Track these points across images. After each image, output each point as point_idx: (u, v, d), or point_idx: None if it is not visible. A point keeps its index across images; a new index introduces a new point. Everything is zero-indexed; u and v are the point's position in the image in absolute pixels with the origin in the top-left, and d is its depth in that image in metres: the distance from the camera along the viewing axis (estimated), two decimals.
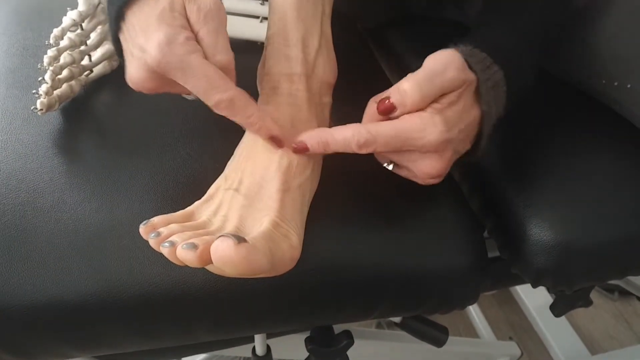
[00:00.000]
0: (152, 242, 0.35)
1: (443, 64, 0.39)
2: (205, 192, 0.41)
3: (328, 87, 0.43)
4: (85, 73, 0.51)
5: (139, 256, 0.40)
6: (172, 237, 0.34)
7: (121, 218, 0.41)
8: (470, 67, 0.39)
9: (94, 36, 0.51)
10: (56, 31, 0.47)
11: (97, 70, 0.52)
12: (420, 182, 0.42)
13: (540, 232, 0.45)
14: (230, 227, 0.37)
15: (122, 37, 0.39)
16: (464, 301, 0.47)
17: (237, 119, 0.38)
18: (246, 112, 0.38)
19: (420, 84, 0.38)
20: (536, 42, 0.45)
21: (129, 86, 0.53)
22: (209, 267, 0.34)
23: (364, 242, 0.43)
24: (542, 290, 1.13)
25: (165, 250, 0.34)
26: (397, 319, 0.59)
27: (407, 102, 0.38)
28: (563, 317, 1.14)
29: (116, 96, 0.52)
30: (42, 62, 0.46)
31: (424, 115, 0.38)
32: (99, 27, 0.52)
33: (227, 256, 0.31)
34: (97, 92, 0.52)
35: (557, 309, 0.53)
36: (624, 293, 1.27)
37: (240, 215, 0.37)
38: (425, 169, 0.40)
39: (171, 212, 0.38)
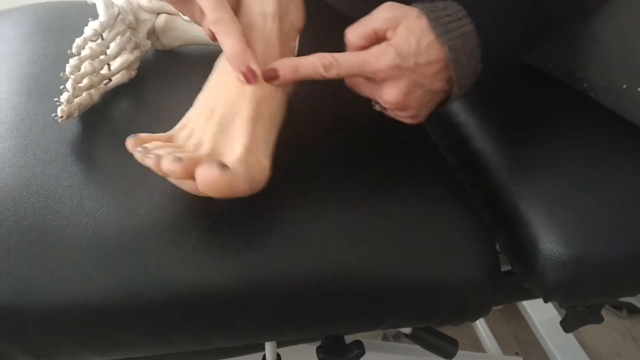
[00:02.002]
0: (138, 156, 0.39)
1: (380, 7, 0.45)
2: None
3: (295, 32, 0.46)
4: (104, 82, 0.52)
5: (155, 261, 0.40)
6: (157, 150, 0.39)
7: (138, 224, 0.42)
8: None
9: (113, 46, 0.52)
10: (78, 41, 0.48)
11: (115, 79, 0.53)
12: (392, 115, 0.47)
13: (553, 246, 0.45)
14: (203, 152, 0.40)
15: None
16: (476, 314, 0.47)
17: (226, 40, 0.42)
18: (236, 36, 0.42)
19: (355, 25, 0.45)
20: (524, 12, 0.45)
21: (145, 95, 0.55)
22: (182, 185, 0.40)
23: (376, 252, 0.44)
24: (549, 305, 1.12)
25: (150, 161, 0.38)
26: (407, 330, 0.59)
27: (347, 41, 0.46)
28: (570, 334, 1.14)
29: (133, 104, 0.53)
30: (64, 70, 0.47)
31: (379, 45, 0.44)
32: (119, 37, 0.53)
33: (212, 181, 0.36)
34: (115, 100, 0.53)
35: (568, 325, 0.53)
36: (633, 311, 1.27)
37: (214, 141, 0.41)
38: (384, 96, 0.44)
39: (188, 220, 0.40)
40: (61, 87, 0.46)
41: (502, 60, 0.46)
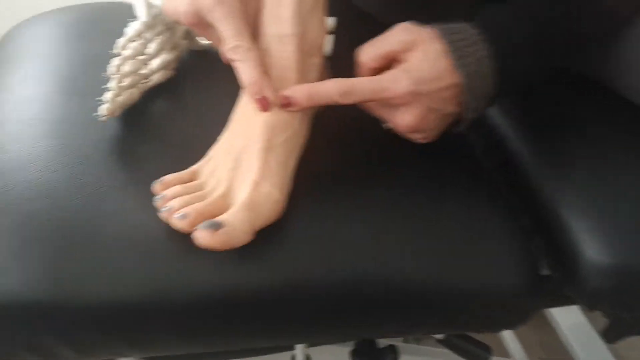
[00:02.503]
0: (157, 203, 0.41)
1: (395, 28, 0.45)
2: None
3: (317, 48, 0.45)
4: (144, 81, 0.52)
5: (192, 262, 0.41)
6: (171, 201, 0.40)
7: None
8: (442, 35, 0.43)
9: (153, 46, 0.53)
10: (121, 41, 0.48)
11: (154, 78, 0.53)
12: (401, 134, 0.46)
13: (597, 252, 0.44)
14: (220, 191, 0.41)
15: None
16: (514, 321, 0.47)
17: (242, 68, 0.42)
18: (252, 64, 0.42)
19: (367, 45, 0.45)
20: (551, 31, 0.45)
21: (183, 94, 0.55)
22: None
23: (412, 257, 0.44)
24: (574, 309, 1.10)
25: (163, 214, 0.40)
26: (439, 335, 0.59)
27: (359, 61, 0.46)
28: (600, 341, 1.12)
29: (172, 104, 0.54)
30: (103, 71, 0.47)
31: (394, 71, 0.43)
32: (158, 37, 0.53)
33: (206, 243, 0.38)
34: (154, 100, 0.53)
35: (612, 335, 0.51)
36: None
37: (230, 177, 0.42)
38: (398, 120, 0.44)
39: None
40: (103, 86, 0.46)
41: (524, 82, 0.47)
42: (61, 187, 0.43)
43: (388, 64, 0.45)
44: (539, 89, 0.59)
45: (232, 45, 0.42)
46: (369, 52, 0.45)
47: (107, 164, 0.46)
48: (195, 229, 0.38)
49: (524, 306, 0.47)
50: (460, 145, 0.56)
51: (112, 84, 0.46)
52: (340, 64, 0.48)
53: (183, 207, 0.40)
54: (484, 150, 0.61)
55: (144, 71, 0.51)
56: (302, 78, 0.44)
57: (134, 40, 0.50)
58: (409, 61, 0.43)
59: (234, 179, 0.42)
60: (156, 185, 0.42)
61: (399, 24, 0.45)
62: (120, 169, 0.45)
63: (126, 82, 0.49)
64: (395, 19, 0.46)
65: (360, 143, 0.51)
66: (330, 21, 0.62)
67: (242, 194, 0.41)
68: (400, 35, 0.44)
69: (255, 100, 0.42)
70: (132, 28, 0.50)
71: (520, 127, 0.58)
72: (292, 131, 0.43)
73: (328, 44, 0.59)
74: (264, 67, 0.43)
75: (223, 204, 0.41)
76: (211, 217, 0.39)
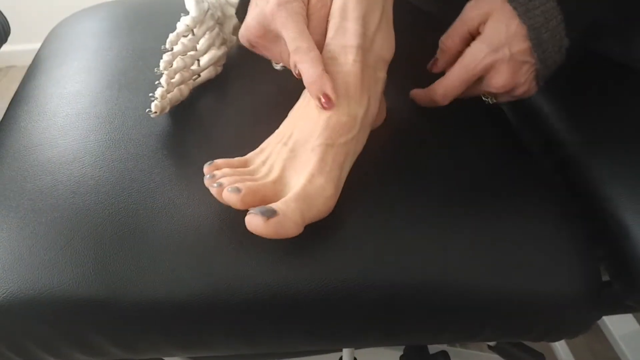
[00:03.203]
0: (206, 182, 0.41)
1: (465, 7, 0.49)
2: None
3: (384, 63, 0.46)
4: (194, 77, 0.51)
5: (245, 260, 0.40)
6: (221, 179, 0.40)
7: (229, 221, 0.41)
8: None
9: (202, 42, 0.52)
10: (171, 36, 0.48)
11: (204, 74, 0.53)
12: (506, 99, 0.51)
13: None
14: (272, 177, 0.41)
15: None
16: (575, 330, 0.44)
17: (304, 67, 0.42)
18: (313, 63, 0.42)
19: (448, 31, 0.50)
20: None
21: (232, 90, 0.54)
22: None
23: (468, 260, 0.42)
24: (628, 317, 1.06)
25: (213, 190, 0.40)
26: (491, 342, 0.56)
27: (443, 47, 0.51)
28: None
29: (221, 101, 0.53)
30: (152, 65, 0.47)
31: (469, 47, 0.48)
32: (208, 32, 0.53)
33: (258, 230, 0.38)
34: (203, 96, 0.53)
35: None
36: None
37: (283, 166, 0.42)
38: (493, 85, 0.48)
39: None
40: (156, 82, 0.46)
41: (586, 34, 0.50)
42: (110, 182, 0.43)
43: (470, 42, 0.48)
44: (600, 86, 0.56)
45: (294, 48, 0.42)
46: (450, 37, 0.50)
47: (156, 159, 0.45)
48: (249, 213, 0.38)
49: (584, 315, 0.44)
50: (516, 146, 0.54)
51: (162, 80, 0.46)
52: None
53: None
54: (543, 150, 0.59)
55: (193, 67, 0.51)
56: (366, 90, 0.44)
57: (185, 36, 0.49)
58: (484, 32, 0.47)
59: (288, 169, 0.42)
60: (206, 166, 0.42)
61: (470, 2, 0.49)
62: (169, 165, 0.45)
63: (176, 78, 0.48)
64: (443, 7, 0.49)
65: (415, 147, 0.50)
66: None
67: (295, 185, 0.40)
68: (472, 11, 0.48)
69: (317, 98, 0.42)
70: (182, 23, 0.49)
71: (580, 128, 0.55)
72: (352, 135, 0.43)
73: None
74: (329, 75, 0.43)
75: (274, 190, 0.40)
76: (262, 198, 0.39)
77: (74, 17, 0.67)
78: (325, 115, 0.42)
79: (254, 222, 0.38)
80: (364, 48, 0.43)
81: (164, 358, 0.49)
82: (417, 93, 0.52)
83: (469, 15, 0.49)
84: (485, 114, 0.54)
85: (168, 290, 0.39)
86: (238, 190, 0.39)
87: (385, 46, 0.45)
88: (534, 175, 0.50)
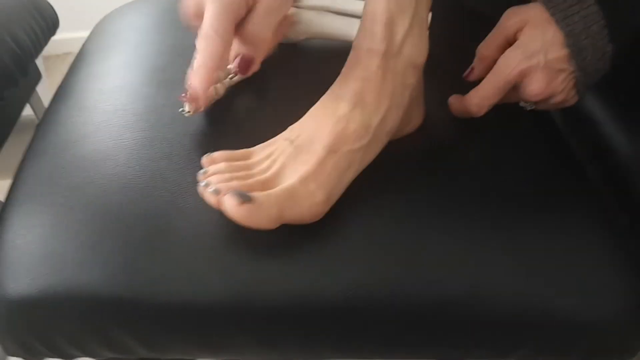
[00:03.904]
0: (199, 177, 0.41)
1: (504, 15, 0.48)
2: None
3: (414, 69, 0.44)
4: (230, 76, 0.51)
5: (271, 266, 0.39)
6: (210, 177, 0.40)
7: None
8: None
9: None
10: None
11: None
12: (544, 107, 0.49)
13: None
14: (271, 172, 0.41)
15: None
16: (621, 354, 0.42)
17: (199, 58, 0.43)
18: (210, 57, 0.43)
19: (485, 39, 0.49)
20: None
21: (268, 90, 0.54)
22: None
23: (502, 274, 0.40)
24: None
25: (200, 189, 0.40)
26: None
27: (480, 55, 0.49)
28: None
29: (256, 100, 0.52)
30: (191, 61, 0.47)
31: (504, 54, 0.46)
32: None
33: (230, 212, 0.37)
34: (239, 95, 0.52)
35: None
36: None
37: (284, 163, 0.41)
38: (529, 93, 0.46)
39: (307, 230, 0.39)
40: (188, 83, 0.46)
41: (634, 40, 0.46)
42: (142, 181, 0.43)
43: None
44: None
45: (204, 32, 0.43)
46: (488, 45, 0.49)
47: (189, 159, 0.45)
48: (228, 192, 0.38)
49: (629, 340, 0.42)
50: (562, 154, 0.51)
51: None
52: (433, 61, 0.45)
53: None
54: (590, 159, 0.56)
55: (230, 66, 0.50)
56: (386, 98, 0.42)
57: None
58: (519, 39, 0.46)
59: (287, 167, 0.41)
60: (204, 159, 0.42)
61: (508, 9, 0.47)
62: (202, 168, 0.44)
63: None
64: (492, 4, 0.49)
65: (450, 153, 0.48)
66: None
67: (286, 182, 0.40)
68: (510, 18, 0.47)
69: (187, 87, 0.43)
70: None
71: (633, 135, 0.52)
72: (361, 145, 0.42)
73: None
74: (350, 77, 0.43)
75: (263, 188, 0.40)
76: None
77: (118, 11, 0.67)
78: (333, 119, 0.41)
79: (227, 202, 0.37)
80: (391, 54, 0.42)
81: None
82: (453, 102, 0.50)
83: (506, 23, 0.47)
84: (530, 117, 0.52)
85: (193, 293, 0.39)
86: (216, 192, 0.38)
87: (416, 51, 0.43)
88: (580, 186, 0.48)
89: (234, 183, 0.39)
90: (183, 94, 0.44)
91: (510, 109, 0.51)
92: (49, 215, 0.41)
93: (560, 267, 0.40)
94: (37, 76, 0.68)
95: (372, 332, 0.40)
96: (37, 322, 0.39)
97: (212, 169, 0.41)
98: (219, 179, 0.39)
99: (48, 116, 0.51)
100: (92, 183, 0.43)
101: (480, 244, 0.41)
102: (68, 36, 1.14)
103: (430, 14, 0.58)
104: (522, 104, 0.50)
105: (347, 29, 0.55)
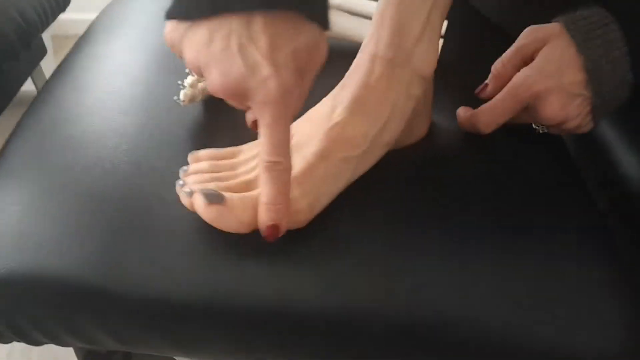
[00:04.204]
0: (180, 175, 0.39)
1: (523, 32, 0.46)
2: None
3: (420, 80, 0.42)
4: None
5: (251, 268, 0.38)
6: (189, 177, 0.38)
7: None
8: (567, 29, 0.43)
9: None
10: None
11: None
12: (557, 131, 0.47)
13: None
14: (255, 173, 0.38)
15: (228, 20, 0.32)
16: None
17: (273, 189, 0.35)
18: (284, 188, 0.36)
19: (502, 56, 0.47)
20: None
21: None
22: None
23: (490, 300, 0.38)
24: None
25: (177, 188, 0.38)
26: None
27: (495, 72, 0.47)
28: None
29: None
30: None
31: (521, 71, 0.44)
32: None
33: (200, 212, 0.36)
34: None
35: None
36: None
37: None
38: (542, 115, 0.44)
39: (292, 234, 0.37)
40: (187, 69, 0.44)
41: None
42: (128, 168, 0.41)
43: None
44: None
45: (273, 160, 0.35)
46: (502, 62, 0.47)
47: (179, 150, 0.43)
48: (198, 190, 0.36)
49: None
50: (571, 180, 0.49)
51: None
52: (448, 71, 0.43)
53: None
54: (599, 186, 0.54)
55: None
56: (388, 108, 0.41)
57: None
58: (537, 59, 0.44)
59: None
60: (189, 157, 0.41)
61: (527, 28, 0.46)
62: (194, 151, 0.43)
63: None
64: (513, 19, 0.47)
65: (450, 168, 0.46)
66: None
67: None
68: (528, 37, 0.45)
69: (264, 224, 0.36)
70: None
71: None
72: (356, 153, 0.40)
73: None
74: (349, 83, 0.41)
75: (245, 189, 0.38)
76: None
77: None
78: (329, 124, 0.39)
79: (196, 201, 0.36)
80: (397, 62, 0.40)
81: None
82: (461, 114, 0.48)
83: (524, 41, 0.46)
84: (540, 138, 0.50)
85: (167, 288, 0.37)
86: (189, 194, 0.37)
87: (424, 62, 0.41)
88: (585, 214, 0.46)
89: (211, 184, 0.37)
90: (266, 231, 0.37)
91: (520, 129, 0.49)
92: (27, 194, 0.40)
93: (552, 297, 0.38)
94: (41, 51, 0.67)
95: (348, 345, 0.39)
96: (3, 306, 0.38)
97: (193, 167, 0.39)
98: (196, 179, 0.38)
99: (42, 94, 0.50)
100: (77, 165, 0.41)
101: (470, 266, 0.39)
102: (79, 17, 1.13)
103: (446, 22, 0.57)
104: (534, 126, 0.49)
105: (357, 29, 0.54)
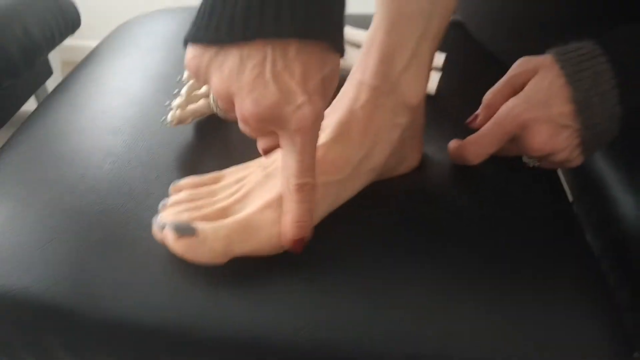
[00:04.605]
0: (159, 208, 0.38)
1: (515, 63, 0.45)
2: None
3: (405, 109, 0.41)
4: None
5: (223, 296, 0.36)
6: (163, 211, 0.38)
7: None
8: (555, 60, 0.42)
9: None
10: None
11: None
12: (548, 166, 0.46)
13: None
14: (234, 198, 0.38)
15: (260, 47, 0.31)
16: None
17: (302, 209, 0.36)
18: (311, 207, 0.37)
19: (493, 87, 0.46)
20: None
21: None
22: None
23: (474, 335, 0.36)
24: None
25: (153, 222, 0.37)
26: None
27: (486, 102, 0.46)
28: None
29: None
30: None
31: (508, 101, 0.43)
32: None
33: (170, 246, 0.36)
34: None
35: None
36: None
37: (250, 189, 0.39)
38: (529, 145, 0.43)
39: (270, 265, 0.37)
40: (174, 91, 0.44)
41: None
42: (110, 185, 0.41)
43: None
44: None
45: (303, 182, 0.35)
46: (494, 92, 0.46)
47: (165, 171, 0.43)
48: (167, 224, 0.36)
49: None
50: (564, 212, 0.47)
51: (183, 90, 0.44)
52: (445, 104, 0.43)
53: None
54: (595, 227, 0.52)
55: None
56: (372, 134, 0.40)
57: None
58: (525, 89, 0.43)
59: (252, 193, 0.38)
60: (170, 188, 0.40)
61: (520, 59, 0.45)
62: (176, 178, 0.42)
63: (204, 90, 0.46)
64: (508, 49, 0.45)
65: (439, 201, 0.45)
66: (441, 57, 0.57)
67: (244, 211, 0.37)
68: (519, 68, 0.45)
69: (290, 240, 0.37)
70: None
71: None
72: (338, 178, 0.39)
73: (434, 82, 0.54)
74: (335, 108, 0.40)
75: (222, 216, 0.37)
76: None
77: (137, 18, 0.67)
78: (319, 148, 0.38)
79: (166, 235, 0.35)
80: (382, 90, 0.40)
81: None
82: (451, 147, 0.47)
83: (514, 72, 0.45)
84: (533, 173, 0.48)
85: (137, 314, 0.36)
86: (161, 227, 0.36)
87: (411, 91, 0.41)
88: (576, 252, 0.44)
89: (184, 215, 0.37)
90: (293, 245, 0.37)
91: (512, 163, 0.48)
92: (6, 207, 0.40)
93: (538, 343, 0.36)
94: (46, 72, 0.68)
95: None
96: None
97: (172, 199, 0.39)
98: (171, 211, 0.37)
99: (38, 110, 0.51)
100: (59, 181, 0.41)
101: (456, 300, 0.38)
102: (93, 44, 1.14)
103: (444, 55, 0.57)
104: (524, 159, 0.47)
105: (349, 57, 0.53)
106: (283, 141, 0.35)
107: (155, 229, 0.37)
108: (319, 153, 0.38)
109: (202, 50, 0.32)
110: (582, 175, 0.55)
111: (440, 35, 0.41)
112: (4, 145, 0.46)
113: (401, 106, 0.41)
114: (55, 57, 0.67)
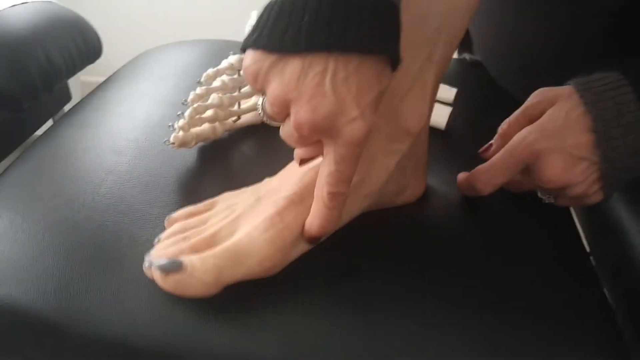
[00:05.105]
0: (155, 244, 0.38)
1: (533, 94, 0.44)
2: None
3: (404, 135, 0.41)
4: (232, 118, 0.50)
5: (210, 319, 0.36)
6: (155, 248, 0.37)
7: None
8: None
9: (249, 86, 0.51)
10: (210, 71, 0.47)
11: (245, 118, 0.51)
12: (564, 203, 0.44)
13: None
14: (222, 223, 0.38)
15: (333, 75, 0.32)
16: None
17: (331, 215, 0.36)
18: (338, 215, 0.37)
19: (510, 116, 0.45)
20: None
21: (273, 140, 0.52)
22: None
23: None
24: None
25: (145, 259, 0.37)
26: None
27: (501, 132, 0.46)
28: None
29: (258, 148, 0.50)
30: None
31: (523, 130, 0.42)
32: None
33: (160, 284, 0.35)
34: (241, 140, 0.51)
35: None
36: None
37: (239, 214, 0.38)
38: (542, 177, 0.41)
39: (258, 289, 0.36)
40: (178, 113, 0.45)
41: None
42: (108, 203, 0.41)
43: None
44: None
45: (339, 192, 0.36)
46: (509, 122, 0.45)
47: (164, 193, 0.43)
48: (153, 263, 0.35)
49: None
50: (576, 256, 0.45)
51: (186, 113, 0.44)
52: (453, 135, 0.42)
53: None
54: (611, 274, 0.50)
55: (233, 108, 0.49)
56: (368, 159, 0.39)
57: (227, 74, 0.48)
58: (541, 118, 0.42)
59: (243, 217, 0.38)
60: (165, 222, 0.40)
61: (538, 89, 0.44)
62: (174, 201, 0.43)
63: (208, 114, 0.46)
64: (519, 83, 0.44)
65: (443, 235, 0.44)
66: (451, 92, 0.56)
67: (232, 238, 0.36)
68: (537, 98, 0.44)
69: (311, 235, 0.37)
70: (227, 61, 0.48)
71: None
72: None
73: (444, 116, 0.54)
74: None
75: (211, 244, 0.37)
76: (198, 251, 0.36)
77: (155, 49, 0.69)
78: (304, 168, 0.38)
79: (155, 275, 0.35)
80: (381, 115, 0.38)
81: None
82: (460, 178, 0.46)
83: (532, 101, 0.43)
84: (546, 210, 0.47)
85: (124, 331, 0.35)
86: (149, 266, 0.36)
87: (411, 118, 0.40)
88: (588, 299, 0.42)
89: (171, 249, 0.36)
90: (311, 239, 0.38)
91: (526, 198, 0.46)
92: (3, 221, 0.40)
93: None
94: (65, 97, 0.70)
95: None
96: None
97: (165, 233, 0.38)
98: (161, 246, 0.37)
99: (49, 129, 0.51)
100: (57, 196, 0.42)
101: (448, 345, 0.36)
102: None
103: (455, 90, 0.56)
104: (540, 194, 0.45)
105: None
106: (327, 149, 0.34)
107: (145, 267, 0.36)
108: (310, 175, 0.38)
109: (263, 56, 0.32)
110: (597, 218, 0.53)
111: (445, 62, 0.40)
112: (13, 163, 0.47)
113: (400, 132, 0.40)
114: (75, 83, 0.69)
